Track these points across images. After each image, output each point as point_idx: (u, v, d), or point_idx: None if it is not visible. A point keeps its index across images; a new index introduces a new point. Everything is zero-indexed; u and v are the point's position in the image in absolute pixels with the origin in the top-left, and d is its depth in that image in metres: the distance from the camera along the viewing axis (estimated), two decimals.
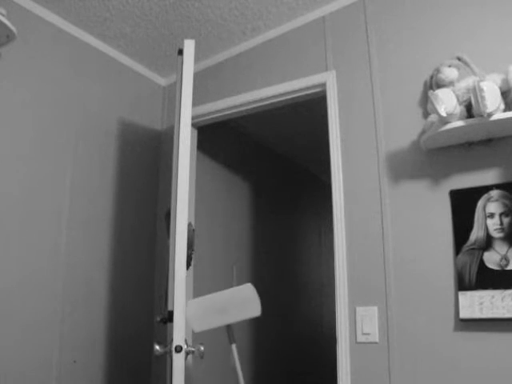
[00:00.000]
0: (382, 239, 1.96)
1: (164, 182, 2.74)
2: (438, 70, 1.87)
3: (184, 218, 1.71)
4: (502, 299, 1.65)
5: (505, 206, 1.71)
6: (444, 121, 1.72)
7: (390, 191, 1.99)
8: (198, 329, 1.86)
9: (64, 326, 2.11)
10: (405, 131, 2.00)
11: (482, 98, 1.60)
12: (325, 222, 4.94)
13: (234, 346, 1.92)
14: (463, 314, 1.72)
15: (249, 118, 2.99)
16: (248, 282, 3.50)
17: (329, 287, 4.73)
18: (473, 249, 1.75)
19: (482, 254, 1.72)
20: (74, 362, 2.13)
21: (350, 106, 2.17)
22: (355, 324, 1.94)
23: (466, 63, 1.85)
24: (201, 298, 1.91)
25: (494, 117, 1.64)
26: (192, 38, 2.48)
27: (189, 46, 1.89)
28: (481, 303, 1.68)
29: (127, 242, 2.51)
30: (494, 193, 1.74)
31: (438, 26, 2.02)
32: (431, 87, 1.90)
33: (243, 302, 1.87)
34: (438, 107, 1.67)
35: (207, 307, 1.88)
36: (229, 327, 1.90)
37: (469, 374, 1.69)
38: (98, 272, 2.32)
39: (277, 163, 4.21)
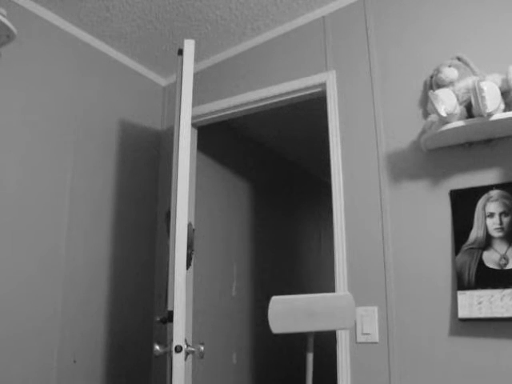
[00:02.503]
0: (381, 239, 1.96)
1: (164, 182, 2.74)
2: (438, 70, 1.87)
3: (184, 217, 1.71)
4: (501, 298, 1.65)
5: (504, 205, 1.71)
6: (444, 121, 1.72)
7: (390, 191, 1.99)
8: (276, 330, 1.66)
9: (64, 326, 2.11)
10: (405, 131, 2.00)
11: (482, 98, 1.60)
12: (325, 222, 4.94)
13: (311, 356, 1.72)
14: (462, 314, 1.72)
15: (249, 118, 2.99)
16: (247, 281, 3.52)
17: (329, 287, 4.73)
18: (472, 248, 1.75)
19: (482, 254, 1.72)
20: (74, 361, 2.13)
21: (349, 105, 2.17)
22: (355, 324, 1.94)
23: (466, 63, 1.85)
24: (288, 297, 1.71)
25: (494, 117, 1.64)
26: (192, 38, 2.48)
27: (189, 46, 1.89)
28: (480, 303, 1.68)
29: (127, 242, 2.51)
30: (494, 193, 1.74)
31: (438, 25, 2.02)
32: (431, 87, 1.90)
33: (337, 311, 1.68)
34: (437, 107, 1.67)
35: (294, 308, 1.68)
36: (311, 335, 1.72)
37: (468, 374, 1.69)
38: (98, 272, 2.32)
39: (277, 163, 4.21)
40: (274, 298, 1.68)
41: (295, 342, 4.02)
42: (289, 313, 1.66)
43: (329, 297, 1.69)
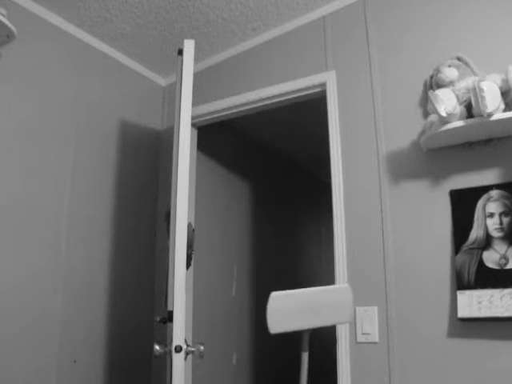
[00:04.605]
0: (381, 239, 1.96)
1: (164, 182, 2.74)
2: (438, 70, 1.87)
3: (184, 217, 1.71)
4: (501, 298, 1.65)
5: (505, 205, 1.71)
6: (444, 121, 1.72)
7: (390, 191, 1.99)
8: (274, 330, 1.52)
9: (64, 325, 2.11)
10: (405, 131, 2.00)
11: (482, 98, 1.60)
12: (325, 222, 4.94)
13: (306, 355, 1.61)
14: (462, 313, 1.72)
15: (249, 117, 2.99)
16: (247, 281, 3.52)
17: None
18: (472, 248, 1.75)
19: (482, 254, 1.72)
20: (74, 361, 2.13)
21: (350, 106, 2.17)
22: (355, 324, 1.94)
23: (466, 63, 1.85)
24: (288, 292, 1.58)
25: (494, 117, 1.64)
26: (192, 38, 2.48)
27: (189, 46, 1.89)
28: (479, 302, 1.68)
29: (127, 242, 2.51)
30: (494, 193, 1.74)
31: (438, 25, 2.02)
32: (431, 87, 1.90)
33: (336, 304, 1.57)
34: (437, 107, 1.67)
35: (293, 305, 1.55)
36: (306, 332, 1.61)
37: (468, 374, 1.69)
38: (98, 272, 2.32)
39: (277, 163, 4.21)
40: (274, 294, 1.53)
41: (295, 342, 4.01)
42: (289, 310, 1.54)
43: (327, 290, 1.58)
